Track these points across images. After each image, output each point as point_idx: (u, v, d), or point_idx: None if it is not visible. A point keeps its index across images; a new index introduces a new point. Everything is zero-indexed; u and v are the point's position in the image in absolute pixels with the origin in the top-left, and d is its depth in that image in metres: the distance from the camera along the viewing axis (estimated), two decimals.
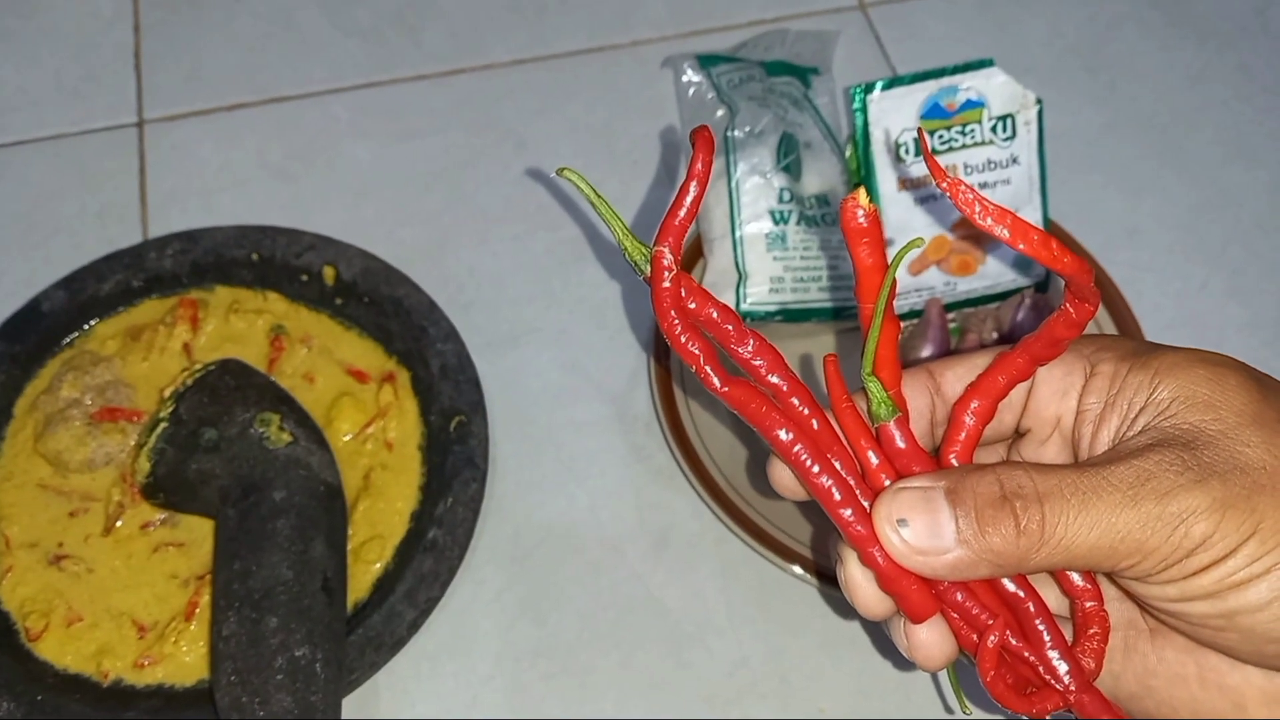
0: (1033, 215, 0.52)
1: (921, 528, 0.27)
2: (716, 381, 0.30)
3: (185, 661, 0.43)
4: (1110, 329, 0.53)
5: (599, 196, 0.30)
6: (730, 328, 0.30)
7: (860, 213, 0.30)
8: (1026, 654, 0.29)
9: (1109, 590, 0.30)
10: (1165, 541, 0.26)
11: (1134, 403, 0.28)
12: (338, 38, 0.65)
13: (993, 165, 0.51)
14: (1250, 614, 0.26)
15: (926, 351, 0.52)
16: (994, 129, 0.51)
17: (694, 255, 0.54)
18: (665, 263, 0.30)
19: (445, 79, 0.63)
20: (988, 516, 0.26)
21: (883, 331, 0.30)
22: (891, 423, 0.30)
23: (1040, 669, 0.29)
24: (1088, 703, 0.29)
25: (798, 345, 0.53)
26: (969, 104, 0.50)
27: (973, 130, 0.50)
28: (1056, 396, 0.30)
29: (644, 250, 0.30)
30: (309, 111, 0.62)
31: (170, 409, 0.43)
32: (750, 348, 0.31)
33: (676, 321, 0.30)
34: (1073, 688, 0.29)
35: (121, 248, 0.53)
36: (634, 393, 0.53)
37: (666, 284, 0.30)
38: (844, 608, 0.47)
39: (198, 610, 0.44)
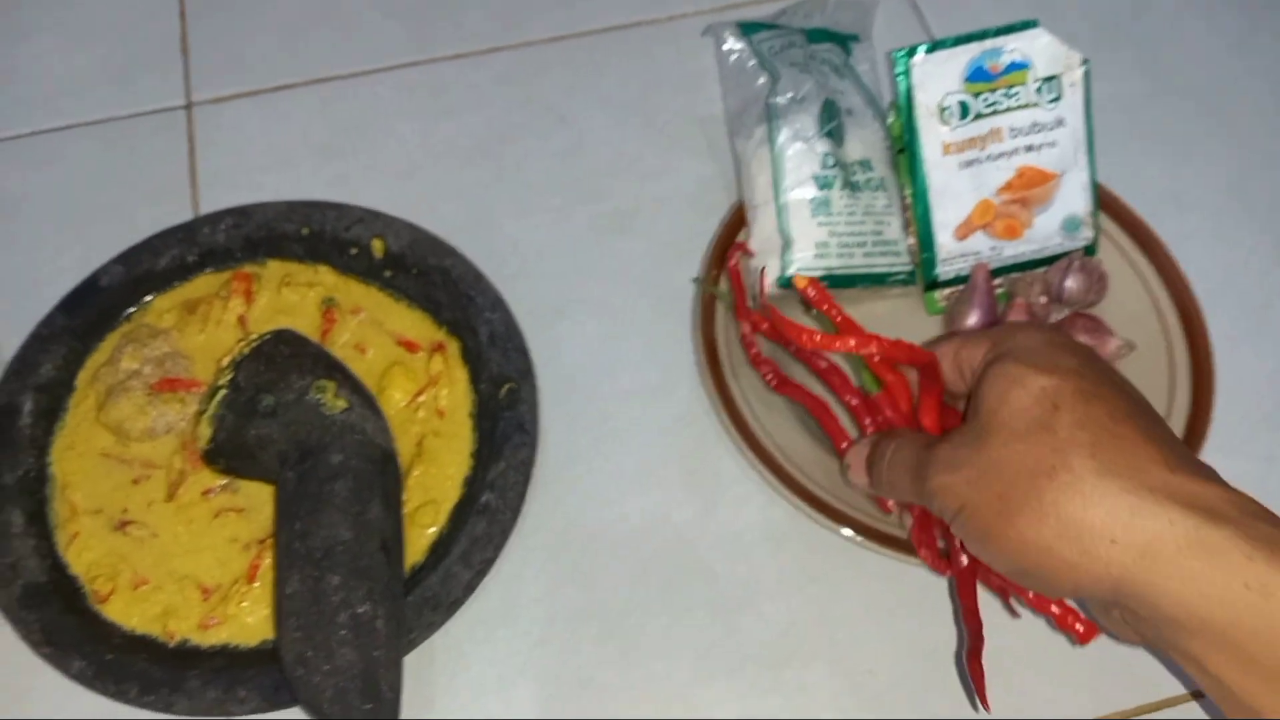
0: (1080, 177, 0.52)
1: (853, 471, 0.45)
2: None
3: (248, 623, 0.44)
4: (1162, 293, 0.53)
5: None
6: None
7: (811, 292, 0.45)
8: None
9: None
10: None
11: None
12: (379, 19, 0.65)
13: (1038, 128, 0.51)
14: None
15: (973, 318, 0.52)
16: (1039, 90, 0.50)
17: (736, 224, 0.54)
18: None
19: (485, 57, 0.64)
20: (863, 469, 0.44)
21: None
22: (877, 395, 0.46)
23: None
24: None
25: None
26: (1013, 66, 0.50)
27: (1017, 93, 0.50)
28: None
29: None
30: (353, 91, 0.63)
31: (229, 376, 0.44)
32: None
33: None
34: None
35: (177, 223, 0.54)
36: (678, 360, 0.53)
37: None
38: (894, 570, 0.47)
39: (259, 573, 0.45)
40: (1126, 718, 0.46)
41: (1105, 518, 0.33)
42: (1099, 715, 0.46)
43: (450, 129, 0.61)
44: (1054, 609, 0.41)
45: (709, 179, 0.59)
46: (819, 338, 0.44)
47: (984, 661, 0.42)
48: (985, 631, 0.42)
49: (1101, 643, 0.43)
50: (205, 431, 0.44)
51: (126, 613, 0.44)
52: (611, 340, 0.54)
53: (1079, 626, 0.41)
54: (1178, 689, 0.46)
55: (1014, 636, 0.46)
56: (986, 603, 0.43)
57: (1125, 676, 0.46)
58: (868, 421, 0.47)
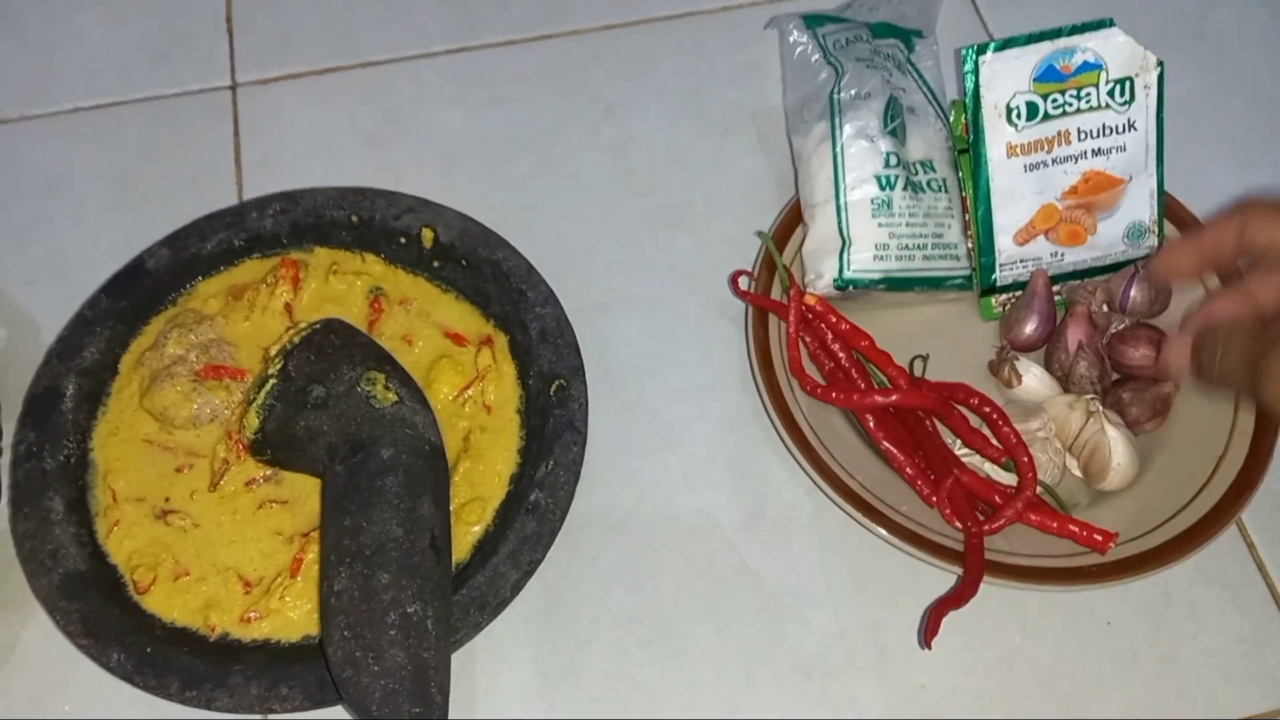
0: (1148, 183, 0.50)
1: (1174, 362, 0.42)
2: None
3: (290, 617, 0.43)
4: None
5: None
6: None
7: (815, 302, 0.50)
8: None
9: None
10: None
11: None
12: (427, 3, 0.64)
13: (1108, 131, 0.49)
14: None
15: (1031, 325, 0.50)
16: (1111, 93, 0.49)
17: (791, 222, 0.53)
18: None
19: (533, 44, 0.63)
20: (1185, 358, 0.42)
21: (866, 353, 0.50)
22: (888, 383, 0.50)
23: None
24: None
25: (897, 316, 0.52)
26: (1086, 66, 0.48)
27: (1089, 94, 0.49)
28: None
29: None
30: (399, 76, 0.61)
31: (279, 366, 0.44)
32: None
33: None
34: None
35: (219, 208, 0.53)
36: (728, 361, 0.52)
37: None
38: (947, 582, 0.46)
39: (302, 567, 0.44)
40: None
41: None
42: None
43: (497, 118, 0.60)
44: (1072, 528, 0.45)
45: (762, 175, 0.58)
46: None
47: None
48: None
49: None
50: (253, 421, 0.43)
51: (168, 604, 0.44)
52: (660, 338, 0.53)
53: (1097, 537, 0.45)
54: None
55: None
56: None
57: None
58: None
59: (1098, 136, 0.49)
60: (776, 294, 0.51)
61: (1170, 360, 0.42)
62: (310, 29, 0.63)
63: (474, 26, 0.63)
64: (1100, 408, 0.47)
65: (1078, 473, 0.48)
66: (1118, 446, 0.46)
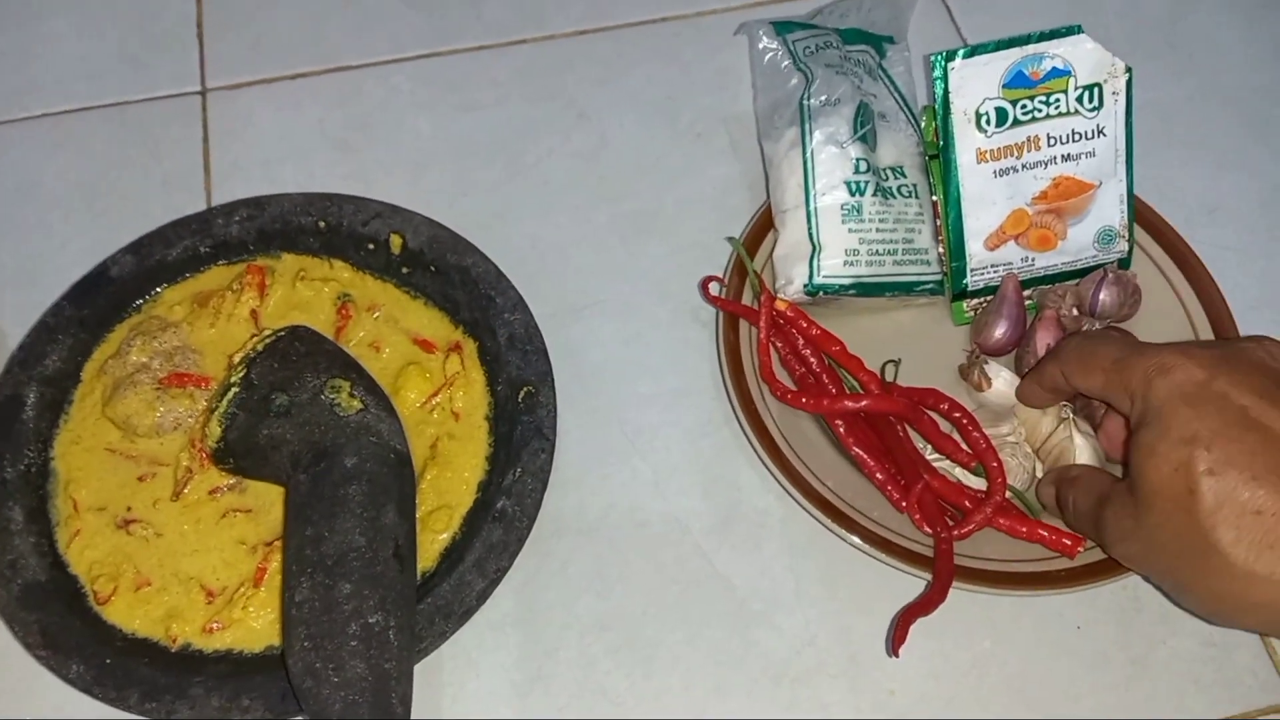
0: (1117, 188, 0.50)
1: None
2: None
3: (254, 627, 0.43)
4: (1196, 309, 0.51)
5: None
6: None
7: (786, 308, 0.50)
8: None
9: None
10: None
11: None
12: (399, 7, 0.64)
13: (1077, 136, 0.49)
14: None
15: (1001, 329, 0.50)
16: (1080, 99, 0.49)
17: (763, 228, 0.52)
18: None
19: (506, 49, 0.63)
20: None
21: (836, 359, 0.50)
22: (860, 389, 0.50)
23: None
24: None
25: (869, 321, 0.52)
26: (1054, 72, 0.48)
27: (1057, 100, 0.49)
28: None
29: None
30: (370, 81, 0.61)
31: (242, 374, 0.43)
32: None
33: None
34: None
35: (190, 213, 0.52)
36: (699, 366, 0.52)
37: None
38: (916, 588, 0.46)
39: (266, 576, 0.44)
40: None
41: (1269, 594, 0.35)
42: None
43: (470, 124, 0.60)
44: (1041, 532, 0.45)
45: (734, 180, 0.57)
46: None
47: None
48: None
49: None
50: (215, 430, 0.43)
51: (128, 615, 0.43)
52: (631, 344, 0.53)
53: (1066, 541, 0.45)
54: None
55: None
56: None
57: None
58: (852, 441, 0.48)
59: (1067, 142, 0.49)
60: (748, 299, 0.51)
61: (1041, 498, 0.46)
62: (281, 34, 0.63)
63: (446, 32, 0.63)
64: (1072, 414, 0.47)
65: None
66: (1083, 455, 0.46)
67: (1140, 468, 0.37)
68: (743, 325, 0.50)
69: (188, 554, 0.44)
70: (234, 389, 0.43)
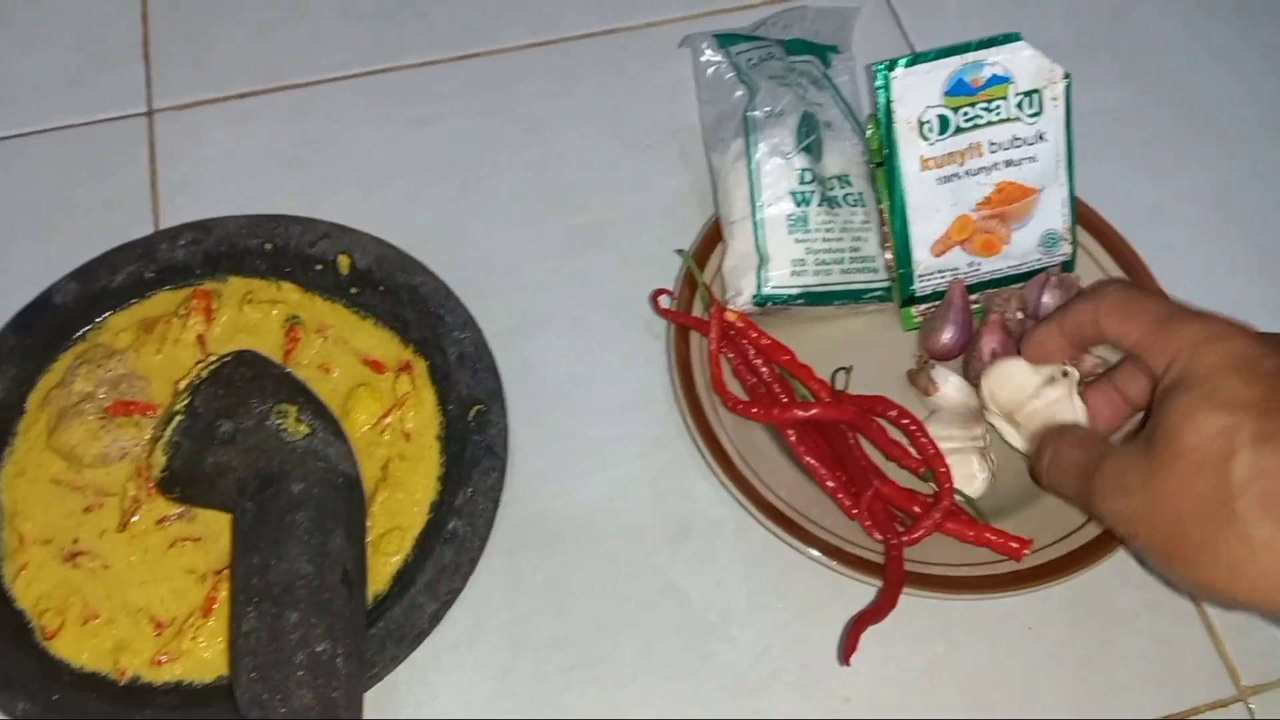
0: (1060, 193, 0.51)
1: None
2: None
3: (204, 657, 0.43)
4: None
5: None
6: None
7: (736, 318, 0.50)
8: None
9: None
10: None
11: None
12: (347, 23, 0.64)
13: (1018, 142, 0.50)
14: None
15: (948, 333, 0.51)
16: (1020, 105, 0.49)
17: (712, 239, 0.53)
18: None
19: (456, 64, 0.62)
20: None
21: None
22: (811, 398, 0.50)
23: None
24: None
25: (820, 329, 0.52)
26: (994, 79, 0.49)
27: (998, 107, 0.49)
28: None
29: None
30: (319, 98, 0.61)
31: (185, 402, 0.43)
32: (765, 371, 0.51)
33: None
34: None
35: (133, 238, 0.52)
36: (653, 379, 0.52)
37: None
38: (868, 595, 0.46)
39: (216, 605, 0.43)
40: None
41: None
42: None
43: (419, 139, 0.59)
44: (989, 536, 0.45)
45: (685, 192, 0.58)
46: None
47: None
48: None
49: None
50: (160, 459, 0.43)
51: (76, 649, 0.43)
52: (584, 358, 0.53)
53: (1013, 544, 0.45)
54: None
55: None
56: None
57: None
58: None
59: (1009, 148, 0.50)
60: (699, 311, 0.51)
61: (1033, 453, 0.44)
62: (229, 53, 0.62)
63: (395, 47, 0.63)
64: (1075, 376, 0.46)
65: (1019, 443, 0.48)
66: (1080, 417, 0.45)
67: (1174, 427, 0.36)
68: (694, 337, 0.51)
69: (136, 585, 0.44)
70: (178, 417, 0.43)
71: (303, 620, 0.38)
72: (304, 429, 0.43)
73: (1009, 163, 0.50)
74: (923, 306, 0.53)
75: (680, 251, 0.52)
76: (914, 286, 0.51)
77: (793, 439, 0.48)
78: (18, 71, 0.61)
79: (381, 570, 0.45)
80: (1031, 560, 0.46)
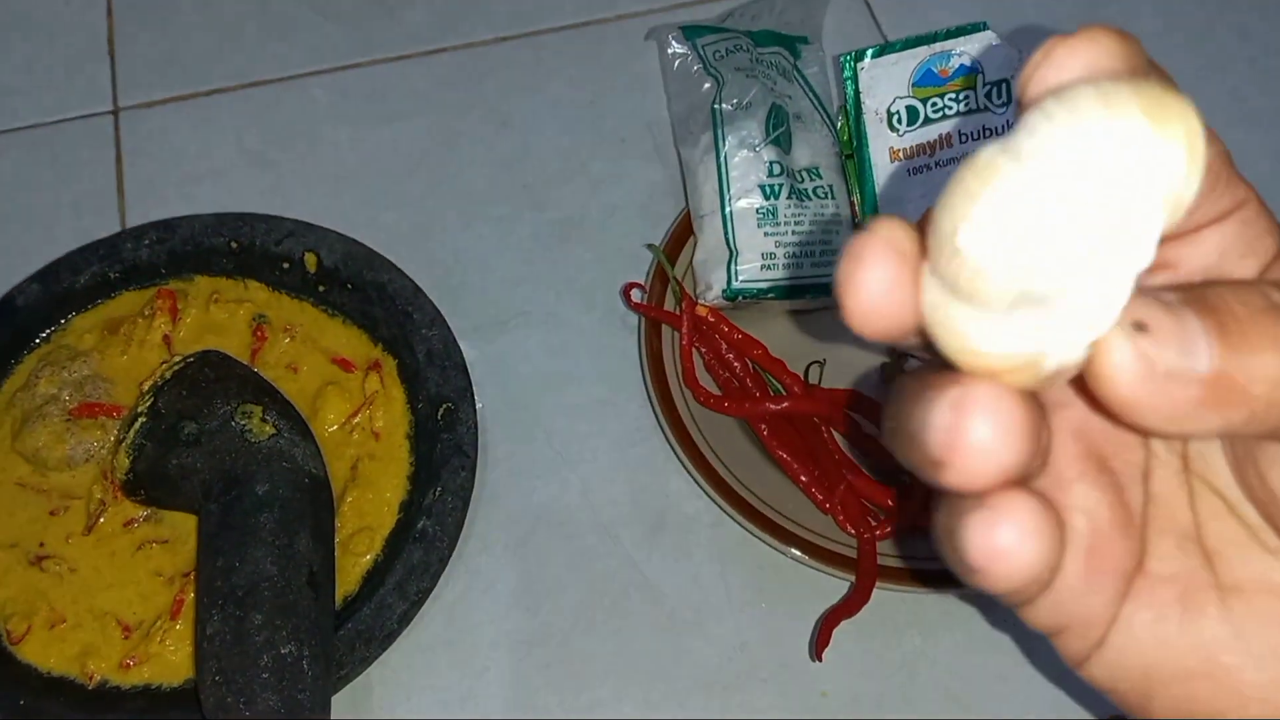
0: None
1: (1169, 337, 0.17)
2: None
3: (172, 661, 0.42)
4: None
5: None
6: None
7: (707, 313, 0.49)
8: None
9: (1165, 544, 0.22)
10: None
11: None
12: (316, 19, 0.63)
13: (988, 133, 0.50)
14: None
15: None
16: (989, 95, 0.49)
17: (684, 233, 0.52)
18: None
19: (426, 59, 0.62)
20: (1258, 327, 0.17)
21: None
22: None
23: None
24: None
25: (792, 323, 0.52)
26: (963, 69, 0.49)
27: (967, 97, 0.49)
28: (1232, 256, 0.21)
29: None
30: (287, 95, 0.60)
31: (148, 403, 0.42)
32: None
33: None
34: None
35: (98, 238, 0.51)
36: (626, 374, 0.52)
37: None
38: (843, 590, 0.46)
39: (183, 608, 0.43)
40: None
41: None
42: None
43: (389, 135, 0.59)
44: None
45: (658, 185, 0.57)
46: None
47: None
48: None
49: None
50: (123, 461, 0.42)
51: (43, 654, 0.42)
52: (557, 354, 0.53)
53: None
54: None
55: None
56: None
57: None
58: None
59: (978, 139, 0.50)
60: (671, 305, 0.51)
61: None
62: (195, 49, 0.62)
63: (365, 42, 0.62)
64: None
65: None
66: None
67: None
68: (667, 332, 0.50)
69: (103, 589, 0.44)
70: (141, 419, 0.42)
71: (267, 622, 0.38)
72: (269, 429, 0.42)
73: None
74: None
75: (651, 246, 0.52)
76: None
77: (765, 433, 0.48)
78: None
79: (352, 571, 0.44)
80: None
